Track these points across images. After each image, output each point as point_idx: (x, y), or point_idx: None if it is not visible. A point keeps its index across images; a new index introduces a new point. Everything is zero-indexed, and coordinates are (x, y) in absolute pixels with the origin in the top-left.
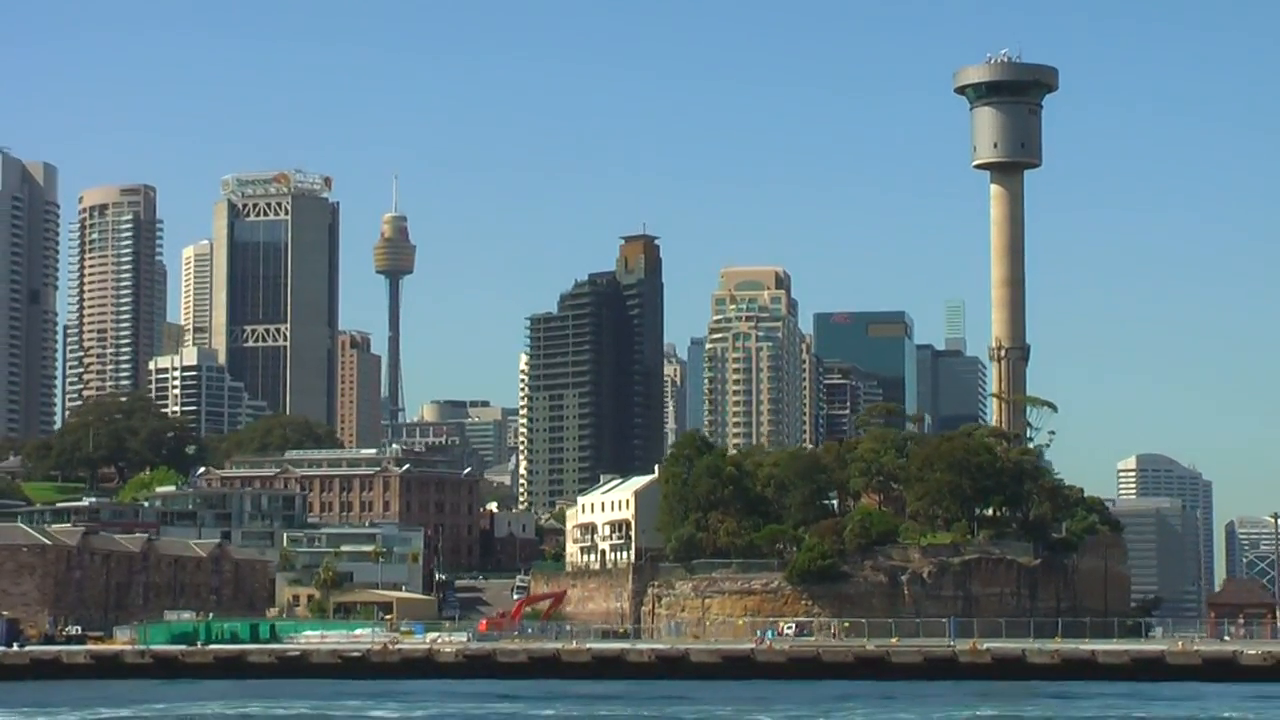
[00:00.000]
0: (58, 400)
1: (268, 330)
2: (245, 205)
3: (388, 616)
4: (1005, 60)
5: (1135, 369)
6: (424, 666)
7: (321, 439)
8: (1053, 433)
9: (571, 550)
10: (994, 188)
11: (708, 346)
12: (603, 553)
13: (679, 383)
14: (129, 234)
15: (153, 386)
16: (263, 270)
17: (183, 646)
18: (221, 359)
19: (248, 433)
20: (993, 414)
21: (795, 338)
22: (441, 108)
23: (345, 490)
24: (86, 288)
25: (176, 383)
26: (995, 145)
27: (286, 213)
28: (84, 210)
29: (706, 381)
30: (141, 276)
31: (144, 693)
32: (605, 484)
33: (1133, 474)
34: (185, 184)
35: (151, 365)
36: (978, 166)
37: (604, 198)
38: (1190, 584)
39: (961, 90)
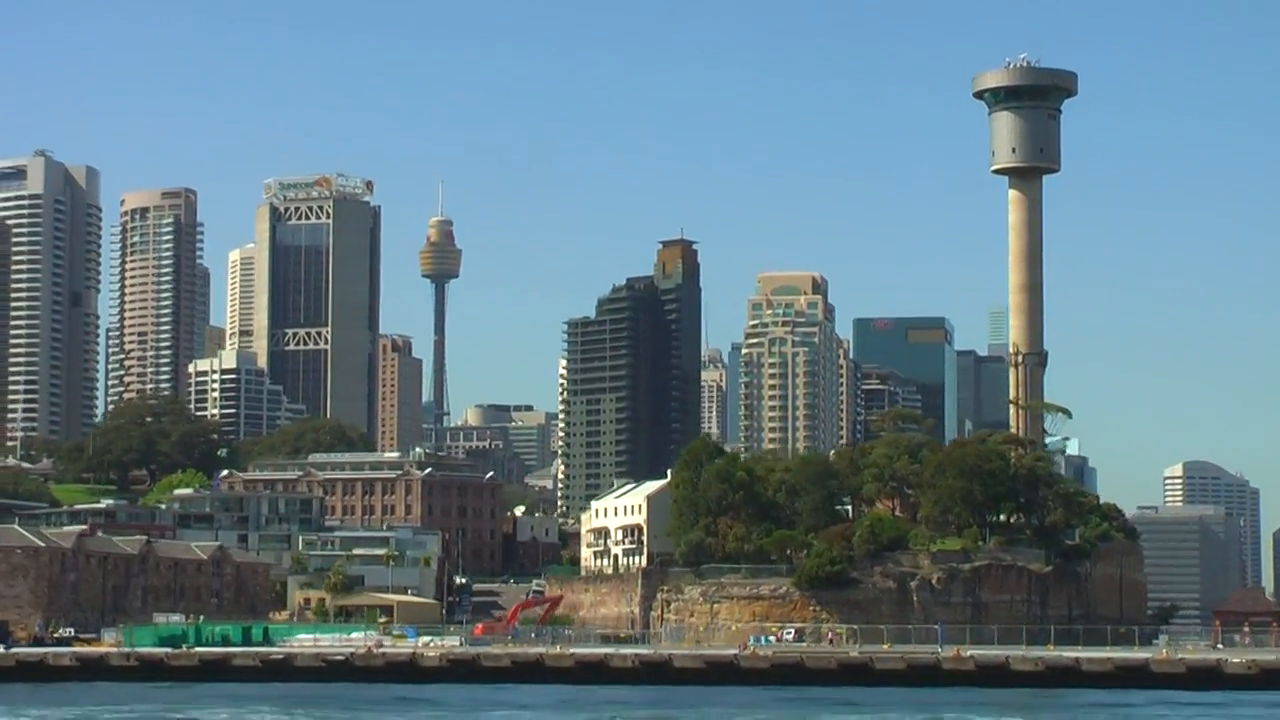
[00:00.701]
0: (99, 403)
1: (309, 334)
2: (287, 209)
3: (383, 620)
4: (1024, 65)
5: (1176, 375)
6: (407, 670)
7: (354, 443)
8: (1067, 439)
9: (586, 555)
10: (1012, 193)
11: (744, 352)
12: (615, 557)
13: (723, 388)
14: (169, 237)
15: (192, 389)
16: (304, 274)
17: (168, 649)
18: (262, 362)
19: (280, 436)
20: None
21: (832, 343)
22: (483, 112)
23: (367, 494)
24: (127, 291)
25: (216, 386)
26: (1014, 150)
27: (328, 216)
28: (125, 213)
29: (743, 387)
30: (182, 280)
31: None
32: (619, 488)
33: (1179, 481)
34: (228, 187)
35: (191, 368)
36: (996, 171)
37: (642, 202)
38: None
39: (980, 95)
